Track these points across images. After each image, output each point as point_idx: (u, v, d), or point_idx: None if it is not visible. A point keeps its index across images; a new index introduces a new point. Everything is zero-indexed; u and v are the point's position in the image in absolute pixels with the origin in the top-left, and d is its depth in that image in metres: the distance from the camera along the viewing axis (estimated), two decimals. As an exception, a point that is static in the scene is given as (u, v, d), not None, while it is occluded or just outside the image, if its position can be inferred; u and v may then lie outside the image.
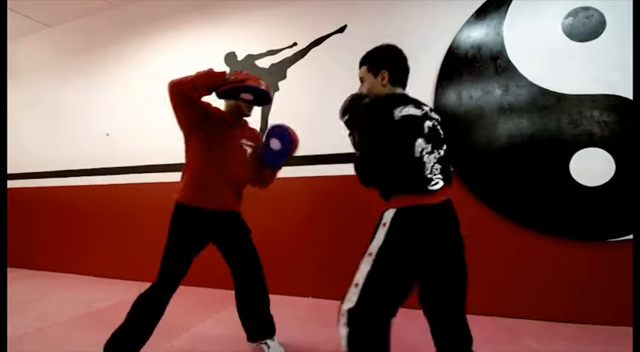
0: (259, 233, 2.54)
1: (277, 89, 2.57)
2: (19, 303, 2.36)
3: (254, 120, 2.59)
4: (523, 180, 1.93)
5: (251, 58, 2.66)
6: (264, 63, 2.62)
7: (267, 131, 1.56)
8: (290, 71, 2.54)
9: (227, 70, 2.72)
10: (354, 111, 1.11)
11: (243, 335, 1.67)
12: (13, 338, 1.79)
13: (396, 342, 1.42)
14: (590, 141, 1.82)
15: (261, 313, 1.62)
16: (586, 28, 1.85)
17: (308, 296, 2.36)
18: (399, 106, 1.04)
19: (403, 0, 2.24)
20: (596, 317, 1.79)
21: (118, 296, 2.40)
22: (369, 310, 0.99)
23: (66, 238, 3.34)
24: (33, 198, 3.55)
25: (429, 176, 1.03)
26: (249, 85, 1.37)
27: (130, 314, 1.38)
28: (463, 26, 2.08)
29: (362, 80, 1.22)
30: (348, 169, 2.31)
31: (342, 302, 1.03)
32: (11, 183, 3.62)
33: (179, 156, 1.58)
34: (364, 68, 1.20)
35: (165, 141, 2.83)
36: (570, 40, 1.87)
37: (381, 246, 1.01)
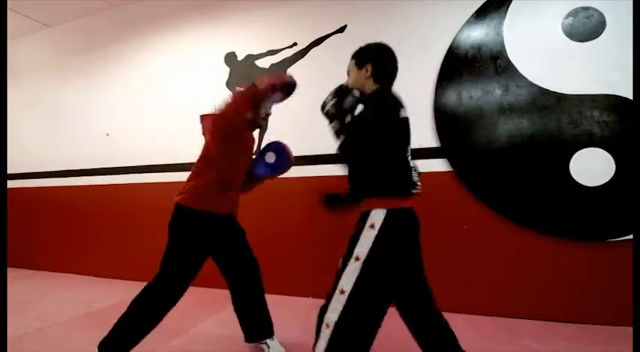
0: (259, 233, 2.54)
1: (277, 89, 2.57)
2: (19, 303, 2.36)
3: (254, 120, 2.60)
4: (523, 180, 1.93)
5: (251, 58, 2.66)
6: (264, 63, 2.62)
7: (266, 144, 1.58)
8: (290, 71, 2.54)
9: (227, 70, 2.73)
10: (344, 105, 1.07)
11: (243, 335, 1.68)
12: (13, 338, 1.79)
13: (388, 340, 1.42)
14: (590, 141, 1.82)
15: (259, 313, 1.62)
16: (586, 28, 1.85)
17: (308, 296, 2.36)
18: (401, 107, 1.05)
19: (403, 0, 2.24)
20: (596, 317, 1.79)
21: (118, 296, 2.40)
22: (356, 322, 0.93)
23: (66, 238, 3.34)
24: (33, 198, 3.55)
25: (415, 180, 1.05)
26: (274, 86, 1.39)
27: (131, 309, 1.37)
28: (463, 26, 2.08)
29: (348, 73, 1.23)
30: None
31: (325, 309, 0.97)
32: (11, 183, 3.62)
33: (179, 156, 1.58)
34: (352, 61, 1.21)
35: (166, 141, 2.83)
36: (570, 40, 1.87)
37: (370, 249, 0.96)
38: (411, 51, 2.18)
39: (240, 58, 2.70)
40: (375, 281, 0.95)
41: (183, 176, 1.55)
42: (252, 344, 1.64)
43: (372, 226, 0.98)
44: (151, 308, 1.36)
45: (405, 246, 1.01)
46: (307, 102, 2.49)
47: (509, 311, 1.94)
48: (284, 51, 2.55)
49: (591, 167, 1.81)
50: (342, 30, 2.39)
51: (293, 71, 2.54)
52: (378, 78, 1.14)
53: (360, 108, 1.03)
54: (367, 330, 0.96)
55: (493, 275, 1.99)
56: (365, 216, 1.01)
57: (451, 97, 2.08)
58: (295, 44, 2.52)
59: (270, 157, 1.52)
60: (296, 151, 2.43)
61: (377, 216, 0.99)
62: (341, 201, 1.15)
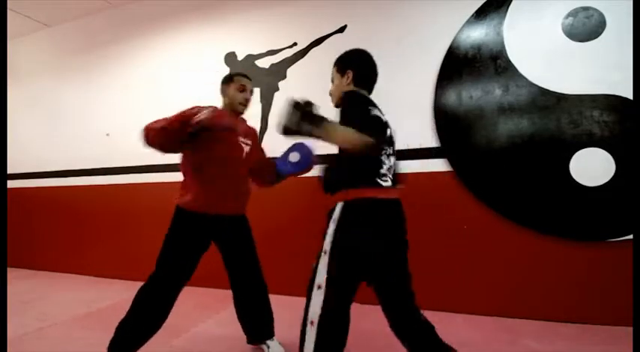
0: (259, 233, 2.54)
1: (277, 89, 2.57)
2: (19, 303, 2.36)
3: (255, 120, 2.59)
4: (523, 180, 1.93)
5: (251, 58, 2.66)
6: (264, 63, 2.62)
7: (294, 143, 1.56)
8: (290, 71, 2.54)
9: (227, 70, 2.73)
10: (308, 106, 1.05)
11: (243, 335, 1.68)
12: (13, 338, 1.79)
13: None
14: (590, 141, 1.82)
15: (260, 314, 1.63)
16: (586, 28, 1.85)
17: (308, 296, 2.36)
18: (371, 106, 1.10)
19: (403, 0, 2.24)
20: (596, 317, 1.79)
21: (118, 296, 2.40)
22: (335, 310, 1.00)
23: (66, 238, 3.34)
24: (33, 198, 3.55)
25: (383, 173, 1.06)
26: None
27: (132, 309, 1.37)
28: (463, 26, 2.08)
29: (332, 81, 1.26)
30: (348, 169, 2.31)
31: (308, 306, 1.03)
32: (11, 183, 3.62)
33: (179, 156, 1.58)
34: (334, 69, 1.24)
35: (165, 141, 2.83)
36: (570, 40, 1.87)
37: (332, 241, 1.02)
38: (411, 51, 2.18)
39: (240, 58, 2.70)
40: (340, 272, 1.00)
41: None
42: (252, 346, 1.64)
43: (333, 220, 1.04)
44: (149, 307, 1.37)
45: (361, 234, 1.01)
46: (307, 102, 2.51)
47: (509, 311, 1.94)
48: (284, 51, 2.55)
49: (591, 167, 1.81)
50: (342, 30, 2.39)
51: (293, 71, 2.54)
52: (359, 83, 1.17)
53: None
54: (344, 315, 1.02)
55: (493, 275, 1.99)
56: (331, 211, 1.07)
57: (451, 97, 2.08)
58: (295, 44, 2.52)
59: (294, 157, 1.54)
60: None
61: (337, 209, 1.05)
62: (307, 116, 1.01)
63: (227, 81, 1.57)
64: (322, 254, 1.03)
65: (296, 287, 2.40)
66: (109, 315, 2.04)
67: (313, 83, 2.47)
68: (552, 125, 1.88)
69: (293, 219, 2.48)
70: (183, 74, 2.88)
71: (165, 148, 1.40)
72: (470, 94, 2.05)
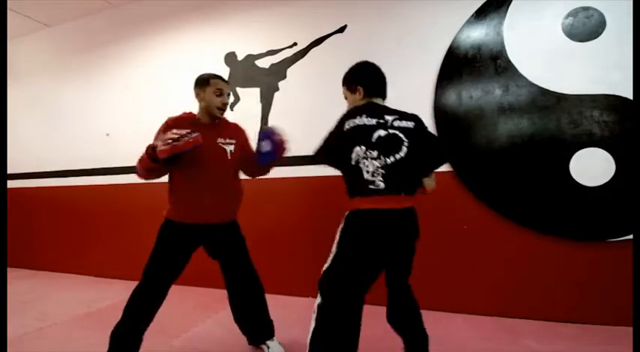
0: (259, 233, 2.55)
1: (277, 89, 2.57)
2: (19, 303, 2.36)
3: (255, 120, 2.60)
4: (523, 180, 1.93)
5: (251, 58, 2.66)
6: (264, 63, 2.62)
7: (261, 132, 1.54)
8: (290, 71, 2.54)
9: (227, 70, 2.73)
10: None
11: (243, 335, 1.68)
12: (13, 338, 1.79)
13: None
14: (590, 141, 1.82)
15: (259, 316, 1.63)
16: (586, 28, 1.85)
17: (308, 296, 2.36)
18: (350, 119, 1.15)
19: (403, 0, 2.24)
20: (596, 317, 1.79)
21: (118, 296, 2.40)
22: (332, 304, 1.11)
23: (66, 238, 3.34)
24: (33, 198, 3.55)
25: (370, 179, 1.09)
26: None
27: (124, 311, 1.42)
28: (463, 26, 2.08)
29: (346, 98, 1.35)
30: (348, 169, 2.31)
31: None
32: (11, 183, 3.62)
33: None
34: (344, 88, 1.33)
35: (165, 141, 2.83)
36: (570, 40, 1.87)
37: (336, 246, 1.16)
38: (411, 51, 2.18)
39: (240, 58, 2.70)
40: (338, 273, 1.13)
41: (183, 176, 1.54)
42: (252, 345, 1.65)
43: (340, 227, 1.18)
44: (139, 308, 1.42)
45: (354, 244, 1.12)
46: (307, 102, 2.51)
47: (509, 311, 1.94)
48: (284, 51, 2.55)
49: (591, 167, 1.81)
50: (342, 30, 2.39)
51: (293, 71, 2.54)
52: (371, 94, 1.26)
53: None
54: (342, 314, 1.11)
55: (493, 275, 1.99)
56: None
57: (451, 97, 2.08)
58: (295, 44, 2.52)
59: (267, 146, 1.50)
60: (296, 151, 2.44)
61: (344, 218, 1.19)
62: None
63: (202, 84, 1.48)
64: (331, 254, 1.17)
65: (296, 287, 2.41)
66: (109, 315, 2.03)
67: (313, 83, 2.48)
68: (552, 125, 1.88)
69: (293, 219, 2.48)
70: (183, 74, 2.88)
71: (151, 178, 1.44)
72: (470, 94, 2.05)
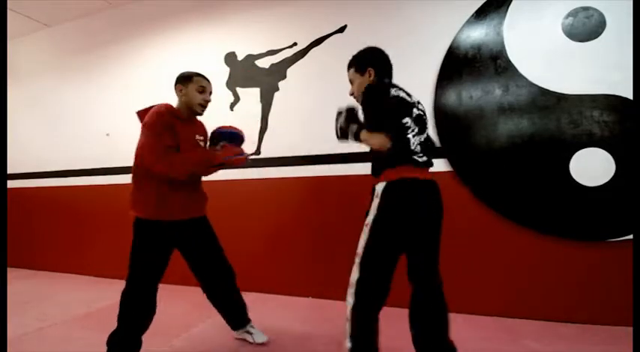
0: (260, 233, 2.55)
1: (277, 89, 2.57)
2: (19, 303, 2.36)
3: (255, 120, 2.60)
4: (523, 180, 1.93)
5: (251, 58, 2.66)
6: (264, 63, 2.62)
7: (213, 135, 1.59)
8: (290, 71, 2.54)
9: (227, 70, 2.73)
10: (350, 111, 1.21)
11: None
12: (13, 338, 1.79)
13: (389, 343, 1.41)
14: (590, 141, 1.82)
15: (239, 299, 1.71)
16: (586, 28, 1.85)
17: (308, 296, 2.36)
18: (394, 88, 1.18)
19: (403, 0, 2.24)
20: (596, 317, 1.79)
21: (117, 296, 2.37)
22: (370, 278, 1.11)
23: (66, 238, 3.34)
24: (33, 198, 3.55)
25: (415, 150, 1.14)
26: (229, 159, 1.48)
27: (119, 319, 1.41)
28: (463, 26, 2.08)
29: (351, 82, 1.32)
30: (348, 169, 2.31)
31: (351, 274, 1.14)
32: (11, 183, 3.62)
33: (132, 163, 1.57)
34: (352, 70, 1.31)
35: (165, 141, 2.83)
36: (570, 40, 1.87)
37: (374, 216, 1.12)
38: (411, 51, 2.18)
39: (240, 58, 2.70)
40: (377, 242, 1.11)
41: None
42: (250, 343, 1.65)
43: (376, 196, 1.15)
44: (134, 313, 1.41)
45: (402, 211, 1.11)
46: (307, 102, 2.51)
47: (509, 311, 1.94)
48: (284, 51, 2.55)
49: (591, 167, 1.81)
50: (342, 30, 2.39)
51: (293, 71, 2.54)
52: (382, 77, 1.26)
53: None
54: (378, 282, 1.12)
55: (493, 275, 2.00)
56: (373, 189, 1.18)
57: (451, 97, 2.08)
58: (295, 44, 2.52)
59: (228, 151, 1.51)
60: (296, 151, 2.45)
61: (379, 188, 1.15)
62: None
63: (185, 80, 1.52)
64: (364, 227, 1.14)
65: (296, 287, 2.42)
66: (109, 315, 2.03)
67: (313, 83, 2.48)
68: (552, 125, 1.88)
69: (293, 219, 2.48)
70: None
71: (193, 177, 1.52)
72: (470, 94, 2.05)
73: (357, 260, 1.13)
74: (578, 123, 1.84)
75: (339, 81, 2.41)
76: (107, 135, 3.16)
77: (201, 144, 1.56)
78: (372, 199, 1.17)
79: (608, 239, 1.79)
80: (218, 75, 2.73)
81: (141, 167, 1.42)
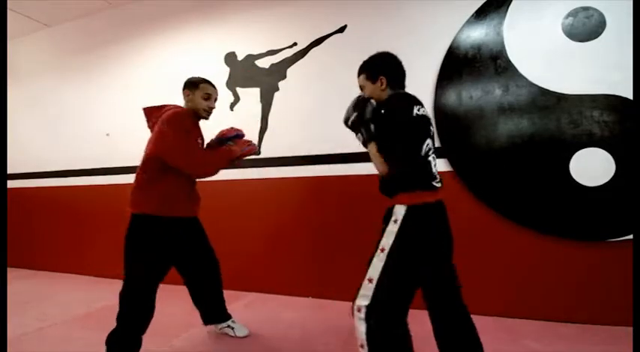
0: (260, 233, 2.55)
1: (277, 89, 2.57)
2: (19, 303, 2.36)
3: (255, 120, 2.60)
4: (523, 180, 1.93)
5: (251, 58, 2.66)
6: (264, 63, 2.62)
7: (224, 139, 1.65)
8: (290, 71, 2.54)
9: (227, 70, 2.73)
10: (365, 107, 1.14)
11: (243, 335, 1.68)
12: (13, 338, 1.79)
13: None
14: (590, 141, 1.82)
15: (221, 300, 1.75)
16: (586, 28, 1.85)
17: (308, 296, 2.36)
18: (417, 105, 1.12)
19: (403, 0, 2.24)
20: (596, 317, 1.79)
21: (117, 297, 2.40)
22: (385, 305, 1.03)
23: (66, 238, 3.34)
24: (33, 198, 3.55)
25: (435, 174, 1.11)
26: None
27: (120, 320, 1.42)
28: (463, 26, 2.08)
29: (362, 88, 1.28)
30: (348, 169, 2.31)
31: (355, 298, 1.06)
32: (11, 183, 3.62)
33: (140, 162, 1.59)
34: (362, 76, 1.26)
35: (165, 141, 2.83)
36: (570, 40, 1.87)
37: (394, 242, 1.05)
38: (411, 51, 2.18)
39: (240, 58, 2.70)
40: (397, 272, 1.04)
41: (183, 176, 1.54)
42: (251, 343, 1.66)
43: (395, 221, 1.07)
44: (135, 313, 1.42)
45: (426, 239, 1.07)
46: (307, 102, 2.51)
47: (509, 311, 1.94)
48: (284, 51, 2.55)
49: (591, 167, 1.81)
50: (342, 30, 2.39)
51: (293, 71, 2.54)
52: (394, 86, 1.22)
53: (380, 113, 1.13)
54: (397, 313, 1.05)
55: (493, 275, 1.99)
56: (390, 211, 1.11)
57: (451, 97, 2.08)
58: (295, 44, 2.52)
59: (241, 145, 1.63)
60: (296, 151, 2.45)
61: (399, 212, 1.07)
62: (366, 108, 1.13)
63: (192, 86, 1.59)
64: (378, 251, 1.07)
65: (296, 288, 2.42)
66: (108, 315, 2.03)
67: (313, 83, 2.48)
68: (552, 125, 1.88)
69: (293, 219, 2.48)
70: (183, 74, 2.87)
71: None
72: (470, 94, 2.05)
73: (371, 285, 1.04)
74: (578, 123, 1.84)
75: (339, 81, 2.42)
76: (107, 135, 3.16)
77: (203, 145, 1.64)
78: (387, 222, 1.09)
79: (608, 239, 1.79)
80: (218, 75, 2.73)
81: (155, 165, 1.45)
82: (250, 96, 2.65)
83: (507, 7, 1.99)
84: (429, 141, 1.11)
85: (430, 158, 1.10)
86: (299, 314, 2.06)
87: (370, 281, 1.04)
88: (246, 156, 1.63)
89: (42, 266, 3.45)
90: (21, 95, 3.70)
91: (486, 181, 2.01)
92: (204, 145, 1.66)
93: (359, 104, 1.14)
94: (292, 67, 2.53)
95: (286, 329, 1.83)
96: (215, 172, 1.51)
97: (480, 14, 2.05)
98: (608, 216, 1.79)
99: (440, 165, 2.06)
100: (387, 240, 1.06)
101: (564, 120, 1.87)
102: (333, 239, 2.35)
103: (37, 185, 3.54)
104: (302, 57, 2.50)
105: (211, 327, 1.81)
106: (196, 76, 1.66)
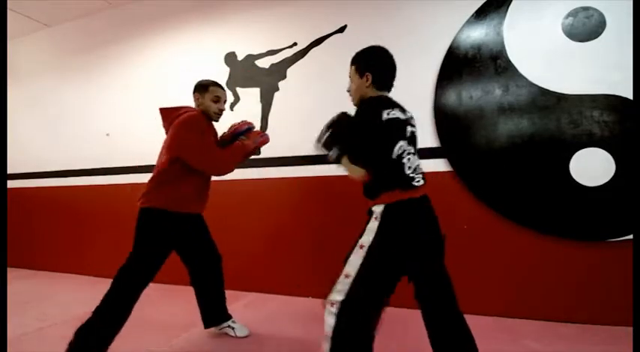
0: (260, 233, 2.55)
1: (277, 89, 2.57)
2: (19, 303, 2.36)
3: (255, 120, 2.60)
4: (523, 180, 1.93)
5: (251, 58, 2.66)
6: (264, 63, 2.62)
7: (237, 133, 1.69)
8: (290, 71, 2.54)
9: (227, 70, 2.73)
10: (340, 125, 1.16)
11: (243, 334, 1.68)
12: (13, 338, 1.79)
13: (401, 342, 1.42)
14: (590, 141, 1.82)
15: (221, 300, 1.77)
16: (586, 28, 1.85)
17: (308, 296, 2.36)
18: (387, 108, 1.11)
19: (403, 0, 2.24)
20: (596, 317, 1.79)
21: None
22: (360, 302, 1.03)
23: (66, 238, 3.34)
24: (33, 198, 3.55)
25: (411, 175, 1.10)
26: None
27: (100, 313, 1.43)
28: (463, 26, 2.08)
29: (350, 79, 1.28)
30: (348, 169, 2.31)
31: (330, 292, 1.07)
32: (11, 183, 3.62)
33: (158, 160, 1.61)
34: (352, 68, 1.26)
35: (165, 141, 2.83)
36: (570, 40, 1.87)
37: (373, 238, 1.05)
38: (411, 51, 2.18)
39: (240, 58, 2.70)
40: (375, 269, 1.04)
41: (183, 176, 1.54)
42: (251, 343, 1.66)
43: (375, 218, 1.08)
44: (121, 309, 1.45)
45: (405, 236, 1.06)
46: (307, 102, 2.51)
47: (509, 311, 1.94)
48: (284, 51, 2.55)
49: (591, 167, 1.81)
50: (342, 30, 2.39)
51: (293, 71, 2.54)
52: (379, 84, 1.21)
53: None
54: (371, 310, 1.06)
55: (493, 275, 2.00)
56: (370, 211, 1.12)
57: (451, 97, 2.08)
58: (295, 44, 2.52)
59: (253, 137, 1.68)
60: (296, 151, 2.45)
61: (378, 210, 1.09)
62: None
63: (202, 90, 1.63)
64: (357, 248, 1.07)
65: (296, 288, 2.42)
66: (109, 315, 2.03)
67: (313, 83, 2.48)
68: (552, 125, 1.88)
69: (293, 219, 2.48)
70: (183, 74, 2.88)
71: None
72: (470, 94, 2.05)
73: (347, 281, 1.04)
74: (578, 123, 1.84)
75: (339, 81, 2.40)
76: (107, 135, 3.16)
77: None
78: (367, 220, 1.11)
79: (608, 239, 1.79)
80: (218, 75, 2.73)
81: (175, 168, 1.50)
82: (250, 96, 2.65)
83: (507, 7, 1.99)
84: (401, 143, 1.09)
85: (405, 159, 1.09)
86: (299, 314, 2.06)
87: (347, 276, 1.05)
88: (260, 147, 1.69)
89: (42, 266, 3.45)
90: (21, 95, 3.70)
91: (486, 181, 2.01)
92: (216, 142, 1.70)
93: (333, 124, 1.16)
94: (292, 67, 2.53)
95: (286, 329, 1.83)
96: (234, 168, 1.58)
97: (480, 14, 2.05)
98: (608, 216, 1.79)
99: (440, 165, 2.09)
100: (367, 237, 1.07)
101: (564, 120, 1.87)
102: (333, 239, 2.34)
103: (37, 185, 3.54)
104: (302, 57, 2.50)
105: (212, 328, 1.81)
106: (206, 78, 1.70)
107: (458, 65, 2.08)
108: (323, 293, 1.11)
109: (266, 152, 2.56)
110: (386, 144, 1.08)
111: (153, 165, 1.62)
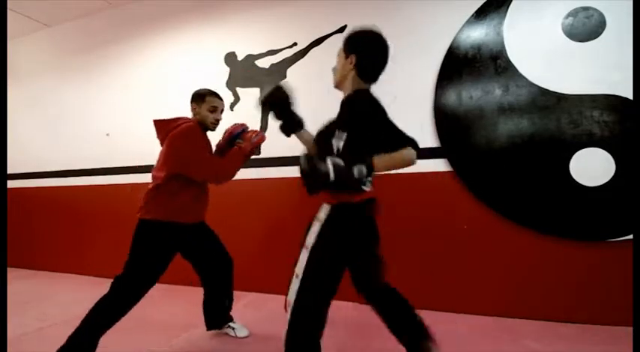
0: (260, 233, 2.55)
1: (277, 89, 2.57)
2: (19, 303, 2.36)
3: (255, 120, 2.60)
4: (523, 180, 1.93)
5: (251, 58, 2.66)
6: (264, 63, 2.62)
7: (232, 137, 1.68)
8: (290, 71, 2.54)
9: (227, 70, 2.73)
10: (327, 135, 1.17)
11: (243, 334, 1.68)
12: (13, 338, 1.79)
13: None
14: (590, 141, 1.82)
15: (230, 302, 1.78)
16: (586, 28, 1.85)
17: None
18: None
19: (403, 0, 2.24)
20: (596, 317, 1.79)
21: (118, 296, 2.40)
22: (309, 299, 1.06)
23: (66, 238, 3.34)
24: (33, 198, 3.55)
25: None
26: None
27: (94, 317, 1.45)
28: (463, 26, 2.08)
29: (338, 56, 1.23)
30: (348, 169, 2.31)
31: (287, 293, 1.10)
32: (11, 183, 3.62)
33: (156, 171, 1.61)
34: (342, 47, 1.19)
35: (165, 141, 2.83)
36: (570, 40, 1.87)
37: (316, 238, 1.08)
38: (411, 51, 2.18)
39: (240, 58, 2.70)
40: (319, 266, 1.06)
41: (183, 176, 1.54)
42: (251, 343, 1.66)
43: (318, 219, 1.11)
44: (115, 313, 1.46)
45: (347, 235, 1.08)
46: (307, 102, 2.50)
47: (509, 311, 1.94)
48: (284, 51, 2.55)
49: (591, 167, 1.81)
50: (342, 30, 2.39)
51: (293, 71, 2.54)
52: (362, 70, 1.13)
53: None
54: (319, 306, 1.07)
55: (493, 275, 1.99)
56: (319, 210, 1.14)
57: (451, 97, 2.08)
58: (295, 44, 2.52)
59: (249, 138, 1.67)
60: (296, 151, 2.44)
61: (323, 211, 1.11)
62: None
63: (199, 100, 1.62)
64: (304, 249, 1.11)
65: (296, 287, 2.41)
66: (109, 315, 2.03)
67: (313, 83, 2.48)
68: (552, 125, 1.88)
69: (294, 219, 2.47)
70: (183, 74, 2.88)
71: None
72: (470, 94, 2.05)
73: (297, 280, 1.07)
74: (578, 123, 1.84)
75: (339, 81, 2.39)
76: (107, 135, 3.16)
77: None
78: (312, 220, 1.13)
79: (608, 239, 1.79)
80: (218, 75, 2.73)
81: (175, 181, 1.50)
82: (250, 96, 2.65)
83: (507, 7, 1.99)
84: None
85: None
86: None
87: (297, 276, 1.08)
88: (257, 146, 1.68)
89: (42, 266, 3.44)
90: (21, 95, 3.70)
91: (486, 181, 2.01)
92: (214, 150, 1.70)
93: (310, 163, 1.07)
94: (292, 67, 2.53)
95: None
96: (235, 174, 1.58)
97: (480, 14, 2.05)
98: (608, 216, 1.79)
99: (440, 165, 2.09)
100: (310, 238, 1.10)
101: (564, 120, 1.87)
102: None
103: (37, 185, 3.54)
104: (302, 57, 2.50)
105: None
106: (203, 88, 1.67)
107: (458, 65, 2.08)
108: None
109: (266, 152, 2.56)
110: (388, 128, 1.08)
111: (153, 166, 1.62)
